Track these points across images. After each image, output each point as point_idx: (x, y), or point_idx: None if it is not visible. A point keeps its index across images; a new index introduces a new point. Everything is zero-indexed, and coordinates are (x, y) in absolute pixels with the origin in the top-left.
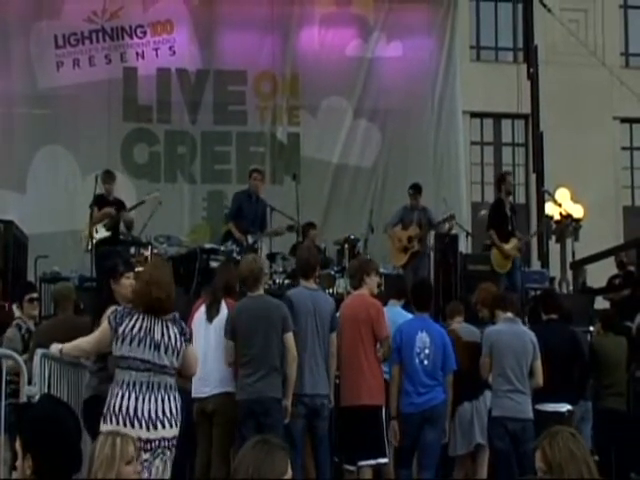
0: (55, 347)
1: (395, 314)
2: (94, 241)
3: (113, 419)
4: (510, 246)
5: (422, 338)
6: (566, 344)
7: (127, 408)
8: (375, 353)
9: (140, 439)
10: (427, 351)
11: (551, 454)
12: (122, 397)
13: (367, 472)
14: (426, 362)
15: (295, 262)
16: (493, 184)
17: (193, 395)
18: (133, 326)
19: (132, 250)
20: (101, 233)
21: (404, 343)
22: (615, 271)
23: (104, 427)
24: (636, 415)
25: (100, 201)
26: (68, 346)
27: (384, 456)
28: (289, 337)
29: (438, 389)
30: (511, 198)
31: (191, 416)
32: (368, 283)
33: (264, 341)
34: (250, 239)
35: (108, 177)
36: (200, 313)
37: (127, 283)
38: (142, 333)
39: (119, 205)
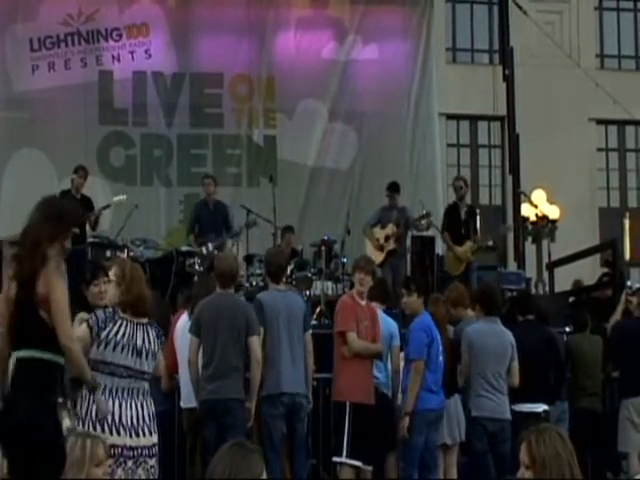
0: None
1: None
2: None
3: (97, 426)
4: (463, 249)
5: (437, 335)
6: (542, 344)
7: (112, 415)
8: (339, 350)
9: (125, 446)
10: (440, 347)
11: (536, 449)
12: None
13: (346, 472)
14: (441, 358)
15: (265, 266)
16: (470, 186)
17: (187, 405)
18: (117, 332)
19: (108, 253)
20: None
21: (434, 340)
22: (586, 271)
23: (109, 440)
24: (612, 415)
25: (66, 198)
26: None
27: (339, 455)
28: (253, 340)
29: (444, 390)
30: (468, 200)
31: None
32: (355, 282)
33: (225, 340)
34: (210, 246)
35: (83, 171)
36: (182, 323)
37: (95, 290)
38: (125, 339)
39: (86, 203)
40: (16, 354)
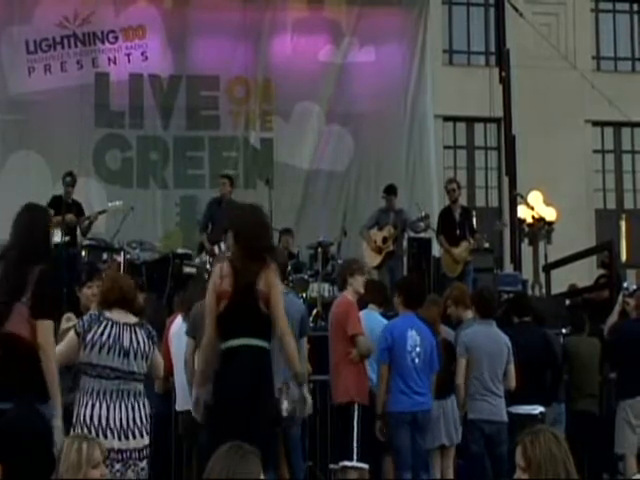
0: None
1: (372, 320)
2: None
3: (85, 429)
4: (459, 250)
5: (413, 336)
6: (539, 346)
7: (99, 418)
8: (345, 353)
9: (112, 449)
10: (418, 349)
11: (532, 452)
12: (92, 406)
13: (350, 473)
14: (417, 361)
15: None
16: (466, 188)
17: (183, 408)
18: (102, 333)
19: (104, 256)
20: (57, 237)
21: (396, 342)
22: (582, 273)
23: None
24: (609, 417)
25: (57, 203)
26: None
27: (348, 458)
28: None
29: (428, 394)
30: (461, 202)
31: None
32: (352, 284)
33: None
34: (223, 246)
35: (72, 180)
36: (177, 326)
37: (89, 293)
38: (111, 340)
39: (77, 208)
40: (232, 342)
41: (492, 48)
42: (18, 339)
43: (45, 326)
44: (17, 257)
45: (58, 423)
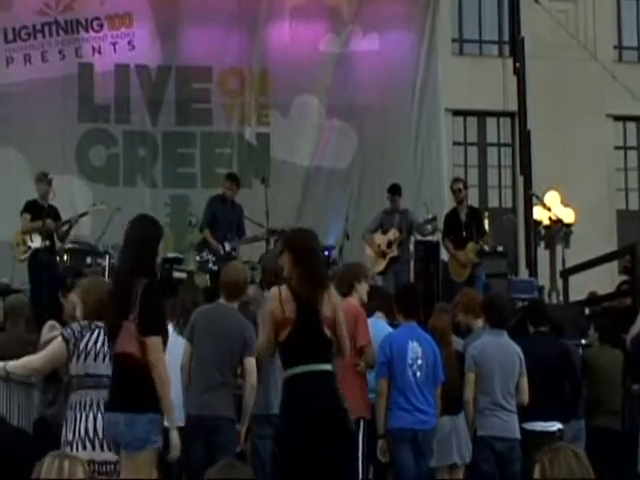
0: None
1: (378, 328)
2: (30, 250)
3: (87, 444)
4: (464, 252)
5: (414, 348)
6: (556, 358)
7: (103, 430)
8: (351, 364)
9: (118, 462)
10: (420, 362)
11: (550, 471)
12: (94, 419)
13: None
14: (419, 374)
15: (262, 273)
16: (478, 187)
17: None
18: (96, 340)
19: (89, 260)
20: (37, 242)
21: (395, 355)
22: (603, 279)
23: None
24: (632, 434)
25: (33, 208)
26: (14, 364)
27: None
28: (250, 362)
29: (432, 412)
30: (471, 202)
31: None
32: (358, 290)
33: (216, 353)
34: (227, 246)
35: (47, 181)
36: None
37: (75, 299)
38: (105, 347)
39: (53, 212)
40: (303, 368)
41: (505, 37)
42: (130, 358)
43: (154, 343)
44: (128, 271)
45: (175, 434)
